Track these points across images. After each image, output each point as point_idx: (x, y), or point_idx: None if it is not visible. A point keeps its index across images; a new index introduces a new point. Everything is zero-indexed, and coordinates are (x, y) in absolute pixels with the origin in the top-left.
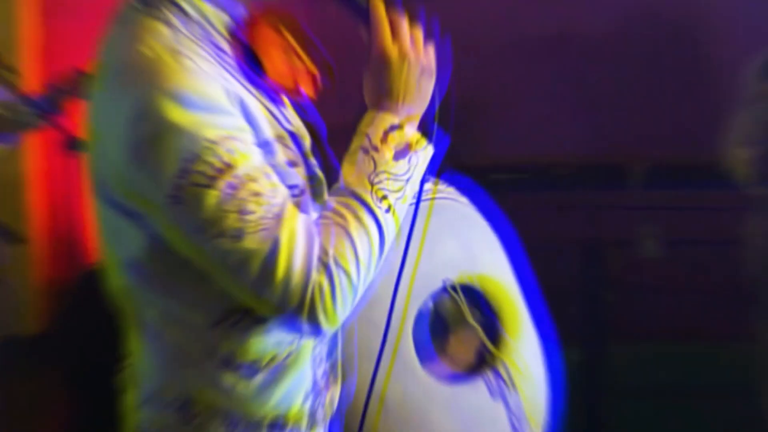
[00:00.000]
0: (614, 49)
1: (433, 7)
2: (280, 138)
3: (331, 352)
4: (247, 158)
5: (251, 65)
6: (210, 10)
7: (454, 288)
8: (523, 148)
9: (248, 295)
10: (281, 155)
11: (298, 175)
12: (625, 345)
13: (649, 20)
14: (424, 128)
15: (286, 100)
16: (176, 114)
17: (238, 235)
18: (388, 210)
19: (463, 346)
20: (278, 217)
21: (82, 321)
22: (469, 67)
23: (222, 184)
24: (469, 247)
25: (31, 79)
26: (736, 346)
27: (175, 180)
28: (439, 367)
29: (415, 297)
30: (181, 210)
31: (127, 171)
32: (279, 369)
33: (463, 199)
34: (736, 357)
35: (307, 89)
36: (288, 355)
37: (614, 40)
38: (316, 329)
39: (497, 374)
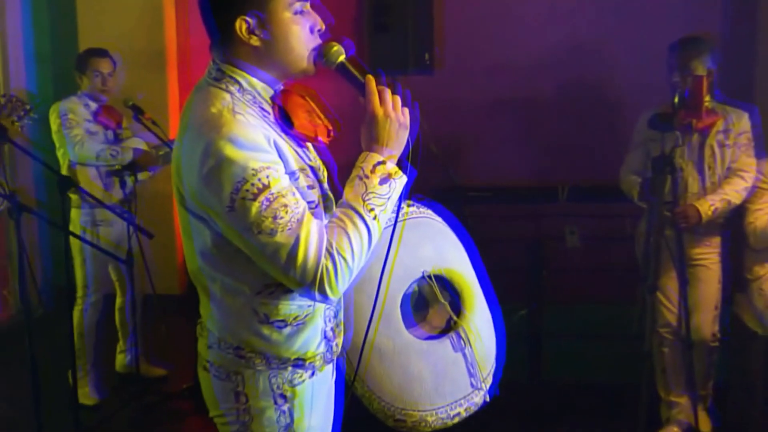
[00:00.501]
0: (550, 108)
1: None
2: (302, 169)
3: (336, 313)
4: (279, 181)
5: (284, 120)
6: (258, 84)
7: (429, 277)
8: (490, 173)
9: (279, 274)
10: (303, 181)
11: (314, 195)
12: (555, 305)
13: (574, 89)
14: (400, 164)
15: (309, 144)
16: (231, 151)
17: (272, 233)
18: (374, 218)
19: (437, 316)
20: (299, 222)
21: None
22: (460, 117)
23: (262, 198)
24: (441, 250)
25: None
26: (628, 305)
27: (231, 195)
28: (418, 330)
29: (401, 282)
30: (235, 215)
31: (200, 190)
32: (300, 324)
33: (438, 218)
34: (628, 313)
35: (323, 137)
36: (306, 315)
37: (550, 101)
38: (325, 298)
39: (458, 335)
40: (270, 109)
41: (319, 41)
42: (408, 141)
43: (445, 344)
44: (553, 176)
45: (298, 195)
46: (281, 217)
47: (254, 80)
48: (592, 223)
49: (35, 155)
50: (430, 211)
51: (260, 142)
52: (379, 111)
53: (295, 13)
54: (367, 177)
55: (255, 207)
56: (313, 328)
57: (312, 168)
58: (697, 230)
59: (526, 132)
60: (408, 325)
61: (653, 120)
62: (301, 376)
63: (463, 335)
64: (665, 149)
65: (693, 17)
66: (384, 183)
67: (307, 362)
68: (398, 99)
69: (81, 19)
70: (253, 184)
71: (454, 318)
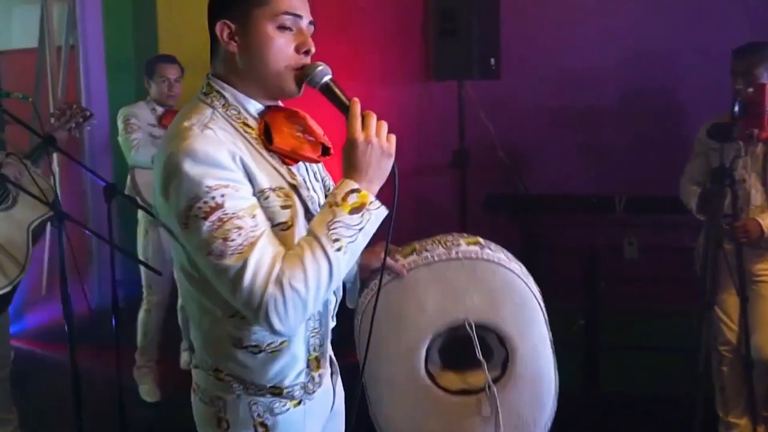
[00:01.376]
0: (610, 117)
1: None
2: (278, 189)
3: (322, 341)
4: (236, 201)
5: (267, 137)
6: (245, 99)
7: (471, 327)
8: (547, 181)
9: (227, 296)
10: (276, 201)
11: (287, 215)
12: (613, 316)
13: (635, 98)
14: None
15: (307, 163)
16: (188, 166)
17: (222, 254)
18: (338, 249)
19: (472, 372)
20: (252, 245)
21: None
22: (519, 125)
23: (213, 217)
24: (496, 302)
25: None
26: (687, 318)
27: (185, 212)
28: (448, 377)
29: (432, 321)
30: (188, 233)
31: (161, 204)
32: (275, 352)
33: (511, 267)
34: (686, 327)
35: (309, 155)
36: (282, 342)
37: (610, 110)
38: (272, 328)
39: (490, 400)
40: (255, 125)
41: (306, 62)
42: (395, 171)
43: (470, 404)
44: (610, 186)
45: (260, 217)
46: (233, 239)
47: (240, 95)
48: (650, 234)
49: (81, 163)
50: (503, 257)
51: (221, 158)
52: (360, 136)
53: (279, 27)
54: (337, 205)
55: (206, 226)
56: (290, 356)
57: (294, 187)
58: (758, 245)
59: (585, 141)
60: (434, 367)
61: (713, 130)
62: (284, 405)
63: (493, 402)
64: (725, 160)
65: (758, 24)
66: (356, 213)
67: (285, 392)
68: (384, 125)
69: (161, 27)
70: (205, 202)
71: (489, 382)
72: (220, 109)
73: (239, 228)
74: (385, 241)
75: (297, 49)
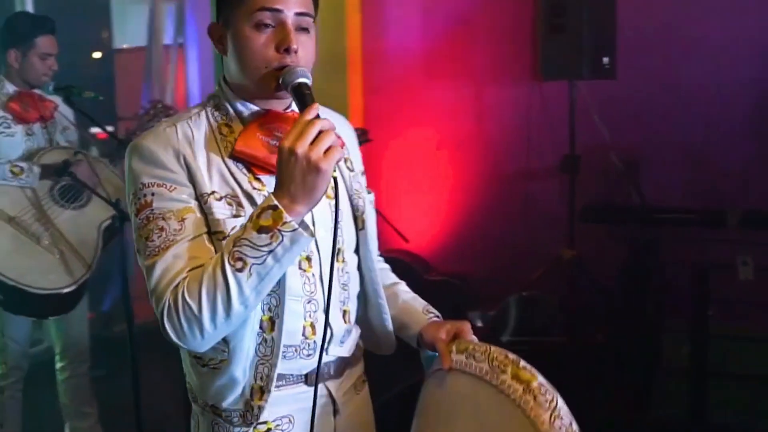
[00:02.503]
0: (728, 126)
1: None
2: (231, 196)
3: (270, 371)
4: (164, 201)
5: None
6: (237, 102)
7: None
8: (655, 191)
9: None
10: (220, 208)
11: (231, 225)
12: (723, 341)
13: (753, 108)
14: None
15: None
16: (133, 161)
17: (141, 253)
18: (239, 270)
19: None
20: (166, 249)
21: None
22: (630, 130)
23: (142, 214)
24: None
25: None
26: None
27: (128, 205)
28: None
29: None
30: (130, 225)
31: None
32: (213, 369)
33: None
34: None
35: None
36: (221, 360)
37: (725, 119)
38: (170, 339)
39: None
40: (238, 128)
41: (287, 62)
42: (337, 191)
43: None
44: (722, 200)
45: (189, 222)
46: (152, 240)
47: (232, 96)
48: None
49: None
50: (544, 415)
51: (162, 157)
52: (285, 143)
53: (256, 25)
54: (250, 221)
55: (135, 222)
56: (228, 377)
57: (250, 197)
58: None
59: (701, 149)
60: None
61: None
62: (229, 429)
63: None
64: None
65: None
66: (264, 232)
67: (223, 414)
68: (326, 137)
69: None
70: (138, 198)
71: None
72: (209, 109)
73: (161, 230)
74: (330, 275)
75: (277, 48)
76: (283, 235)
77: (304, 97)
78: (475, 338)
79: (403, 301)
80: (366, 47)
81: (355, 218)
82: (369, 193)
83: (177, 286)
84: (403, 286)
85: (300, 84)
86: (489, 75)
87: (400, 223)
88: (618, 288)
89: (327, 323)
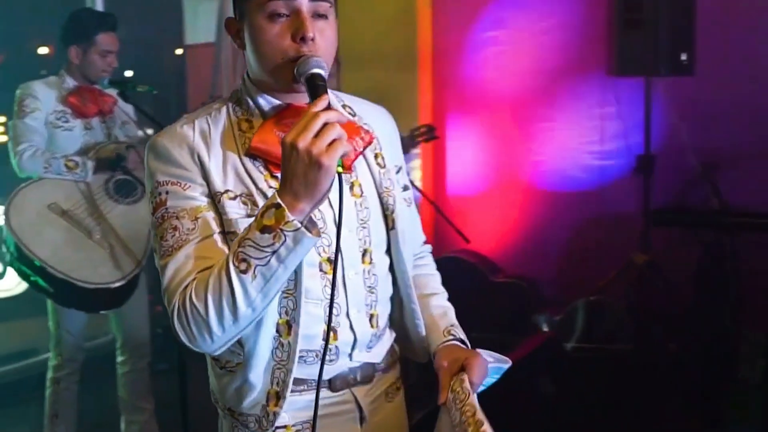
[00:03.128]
0: None
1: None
2: (246, 195)
3: (286, 376)
4: (178, 200)
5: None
6: (257, 96)
7: None
8: (746, 195)
9: None
10: (234, 207)
11: (246, 225)
12: None
13: None
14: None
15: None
16: (149, 160)
17: (156, 251)
18: (244, 272)
19: None
20: (179, 249)
21: None
22: (715, 130)
23: (158, 213)
24: None
25: None
26: None
27: (148, 202)
28: None
29: None
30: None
31: None
32: (230, 371)
33: None
34: None
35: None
36: (237, 363)
37: None
38: (180, 341)
39: None
40: (258, 124)
41: (303, 51)
42: (340, 189)
43: None
44: None
45: (203, 222)
46: (166, 240)
47: (254, 90)
48: None
49: None
50: None
51: (175, 154)
52: (287, 137)
53: (269, 16)
54: (255, 219)
55: (152, 221)
56: (243, 380)
57: (265, 195)
58: None
59: None
60: None
61: None
62: None
63: None
64: None
65: None
66: (267, 232)
67: (240, 418)
68: (330, 130)
69: (341, 20)
70: (155, 197)
71: None
72: (230, 104)
73: (174, 229)
74: (332, 280)
75: (293, 37)
76: (285, 235)
77: (315, 88)
78: (478, 377)
79: (429, 315)
80: (437, 42)
81: (385, 217)
82: (405, 189)
83: (186, 287)
84: (438, 299)
85: (313, 75)
86: (561, 70)
87: (468, 223)
88: (692, 296)
89: (328, 329)
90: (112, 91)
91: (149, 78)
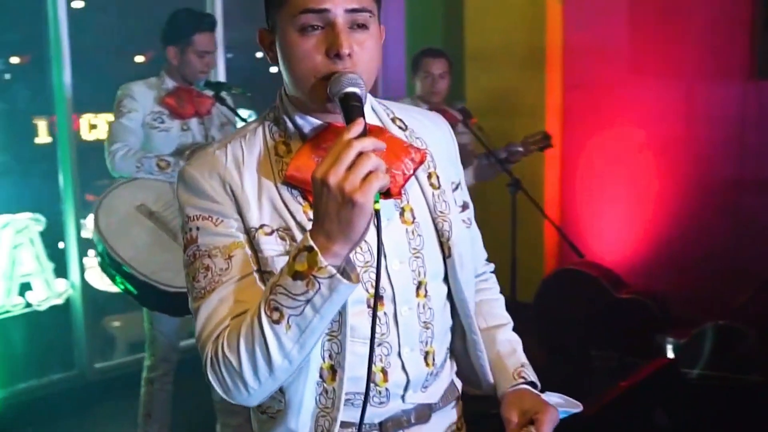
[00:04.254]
0: None
1: None
2: (284, 230)
3: (331, 426)
4: (210, 236)
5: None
6: (295, 115)
7: None
8: None
9: None
10: (271, 244)
11: (282, 264)
12: None
13: None
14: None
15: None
16: (180, 191)
17: (189, 293)
18: (276, 322)
19: None
20: (212, 292)
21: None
22: None
23: (190, 251)
24: None
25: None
26: None
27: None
28: None
29: None
30: None
31: None
32: (272, 418)
33: None
34: None
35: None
36: (278, 410)
37: None
38: (216, 389)
39: None
40: (297, 147)
41: (336, 68)
42: (378, 229)
43: None
44: None
45: (237, 260)
46: (198, 280)
47: (292, 109)
48: None
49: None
50: None
51: (205, 186)
52: (318, 172)
53: (301, 29)
54: (287, 263)
55: (184, 258)
56: (283, 428)
57: (305, 230)
58: None
59: None
60: None
61: None
62: None
63: None
64: None
65: None
66: (299, 279)
67: None
68: (365, 161)
69: (468, 17)
70: (185, 233)
71: None
72: (267, 124)
73: (207, 269)
74: (372, 325)
75: (327, 53)
76: (319, 283)
77: (350, 110)
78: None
79: (497, 354)
80: (567, 41)
81: (441, 244)
82: (464, 208)
83: (218, 337)
84: (505, 332)
85: (347, 95)
86: (700, 73)
87: (591, 232)
88: None
89: (368, 377)
90: (209, 93)
91: (248, 80)
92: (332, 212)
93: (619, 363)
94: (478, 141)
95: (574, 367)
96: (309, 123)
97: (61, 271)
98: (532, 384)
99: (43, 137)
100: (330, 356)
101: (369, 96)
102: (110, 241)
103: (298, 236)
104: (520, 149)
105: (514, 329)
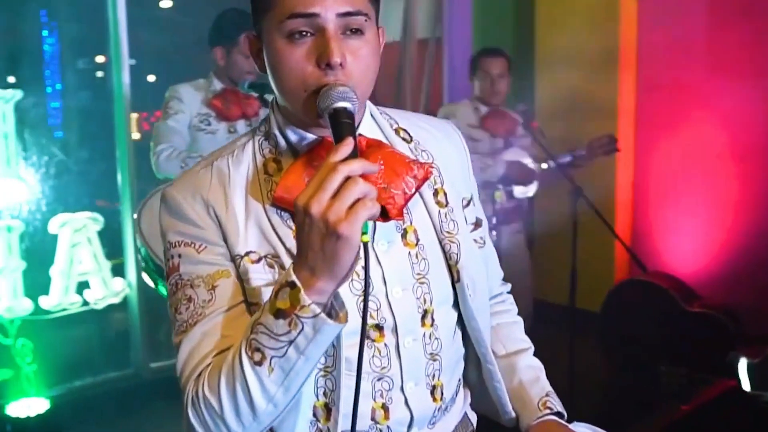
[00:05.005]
0: None
1: None
2: (272, 257)
3: None
4: (192, 266)
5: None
6: (290, 131)
7: None
8: None
9: None
10: (259, 272)
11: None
12: None
13: None
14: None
15: None
16: (162, 215)
17: (172, 325)
18: (259, 363)
19: None
20: (194, 325)
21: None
22: None
23: (172, 280)
24: None
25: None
26: None
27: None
28: None
29: None
30: None
31: None
32: None
33: None
34: None
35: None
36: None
37: None
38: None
39: None
40: (288, 164)
41: (326, 81)
42: (366, 263)
43: None
44: None
45: (221, 291)
46: (180, 313)
47: (283, 122)
48: None
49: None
50: None
51: (187, 210)
52: (300, 199)
53: (289, 36)
54: (269, 300)
55: (167, 288)
56: None
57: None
58: None
59: None
60: None
61: None
62: None
63: None
64: None
65: None
66: (281, 317)
67: None
68: (352, 188)
69: (539, 16)
70: (167, 260)
71: None
72: (258, 138)
73: (189, 300)
74: (359, 361)
75: (318, 63)
76: (303, 323)
77: (339, 127)
78: None
79: (520, 382)
80: (642, 40)
81: (449, 267)
82: (476, 226)
83: (200, 375)
84: (526, 358)
85: (337, 110)
86: None
87: (664, 241)
88: None
89: (354, 415)
90: (254, 94)
91: None
92: (316, 244)
93: (688, 380)
94: (538, 145)
95: (639, 381)
96: (302, 138)
97: (118, 270)
98: (558, 414)
99: (134, 134)
100: (324, 393)
101: (370, 106)
102: (153, 246)
103: (288, 264)
104: (585, 154)
105: (574, 337)
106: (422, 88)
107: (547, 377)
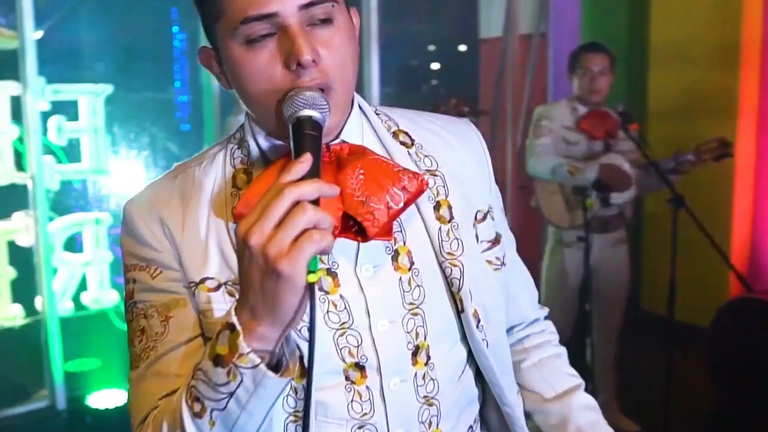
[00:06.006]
0: None
1: None
2: (233, 284)
3: None
4: (146, 293)
5: None
6: (263, 140)
7: None
8: None
9: None
10: (219, 302)
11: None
12: None
13: None
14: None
15: None
16: (122, 232)
17: (130, 358)
18: (198, 415)
19: None
20: (144, 361)
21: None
22: None
23: (128, 307)
24: None
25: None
26: None
27: None
28: None
29: None
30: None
31: None
32: None
33: None
34: None
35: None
36: None
37: None
38: None
39: None
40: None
41: (299, 83)
42: (313, 307)
43: None
44: None
45: (175, 322)
46: (134, 345)
47: (258, 130)
48: None
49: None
50: None
51: (143, 229)
52: (240, 227)
53: (247, 42)
54: (210, 343)
55: (125, 312)
56: None
57: None
58: None
59: None
60: None
61: None
62: None
63: None
64: None
65: None
66: (220, 365)
67: None
68: (299, 216)
69: (654, 10)
70: (126, 284)
71: None
72: (231, 147)
73: (142, 332)
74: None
75: (286, 65)
76: (242, 374)
77: (300, 140)
78: None
79: (577, 428)
80: (764, 37)
81: (452, 294)
82: (494, 244)
83: (145, 419)
84: (580, 396)
85: (300, 120)
86: None
87: None
88: None
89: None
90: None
91: (443, 74)
92: (256, 282)
93: None
94: (638, 149)
95: (748, 406)
96: (275, 145)
97: None
98: None
99: None
100: None
101: (363, 104)
102: None
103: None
104: (691, 158)
105: (676, 351)
106: (524, 87)
107: (642, 391)
